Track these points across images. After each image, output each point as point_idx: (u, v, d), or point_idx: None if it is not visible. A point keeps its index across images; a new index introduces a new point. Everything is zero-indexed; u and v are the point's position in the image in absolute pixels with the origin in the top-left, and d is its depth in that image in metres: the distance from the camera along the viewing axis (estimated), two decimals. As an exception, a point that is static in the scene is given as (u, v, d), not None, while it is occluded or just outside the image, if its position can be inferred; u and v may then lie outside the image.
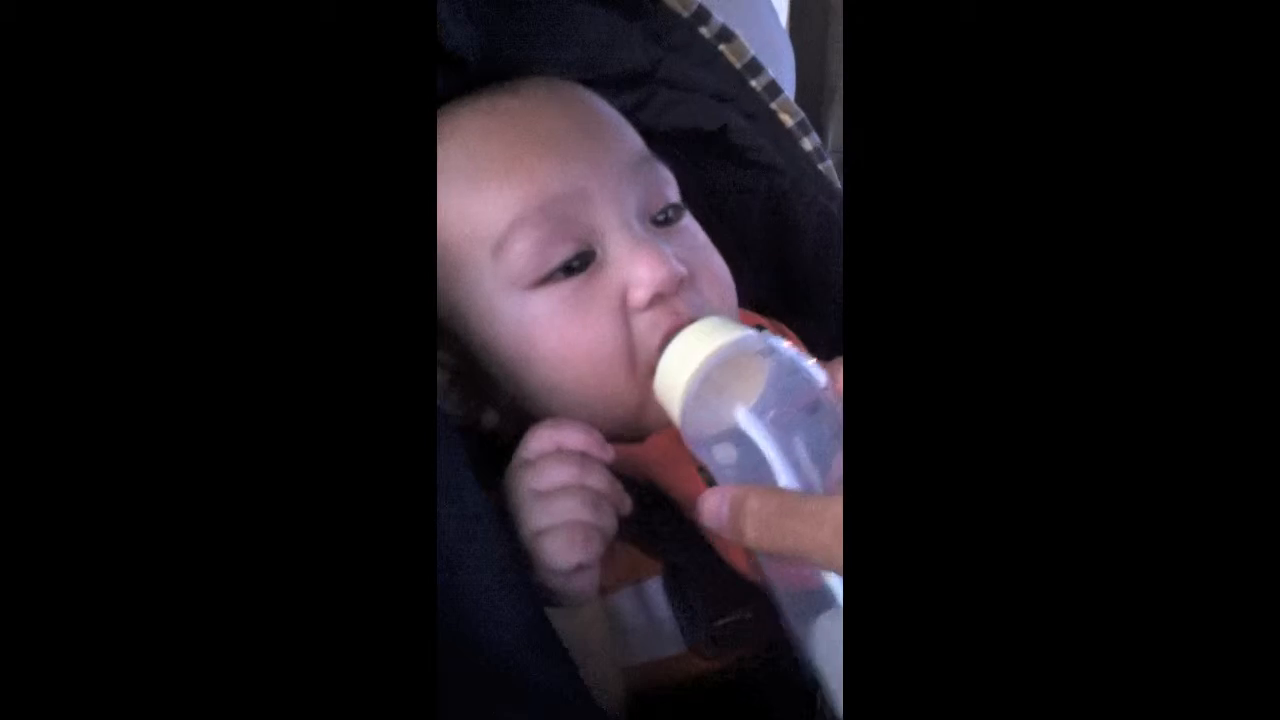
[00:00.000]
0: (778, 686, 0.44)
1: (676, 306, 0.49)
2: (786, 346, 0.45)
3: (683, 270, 0.50)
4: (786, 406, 0.43)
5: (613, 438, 0.49)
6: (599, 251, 0.50)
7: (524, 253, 0.50)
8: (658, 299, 0.49)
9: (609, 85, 0.59)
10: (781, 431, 0.42)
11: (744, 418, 0.43)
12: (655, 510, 0.49)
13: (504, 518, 0.47)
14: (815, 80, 1.13)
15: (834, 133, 1.13)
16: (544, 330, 0.50)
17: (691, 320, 0.48)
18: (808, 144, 0.65)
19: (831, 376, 0.45)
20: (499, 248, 0.50)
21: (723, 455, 0.43)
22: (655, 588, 0.50)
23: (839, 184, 0.68)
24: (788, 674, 0.43)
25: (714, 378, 0.44)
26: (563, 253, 0.50)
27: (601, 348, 0.49)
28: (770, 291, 0.64)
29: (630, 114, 0.58)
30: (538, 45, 0.56)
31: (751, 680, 0.47)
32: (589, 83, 0.57)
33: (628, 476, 0.49)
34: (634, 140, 0.55)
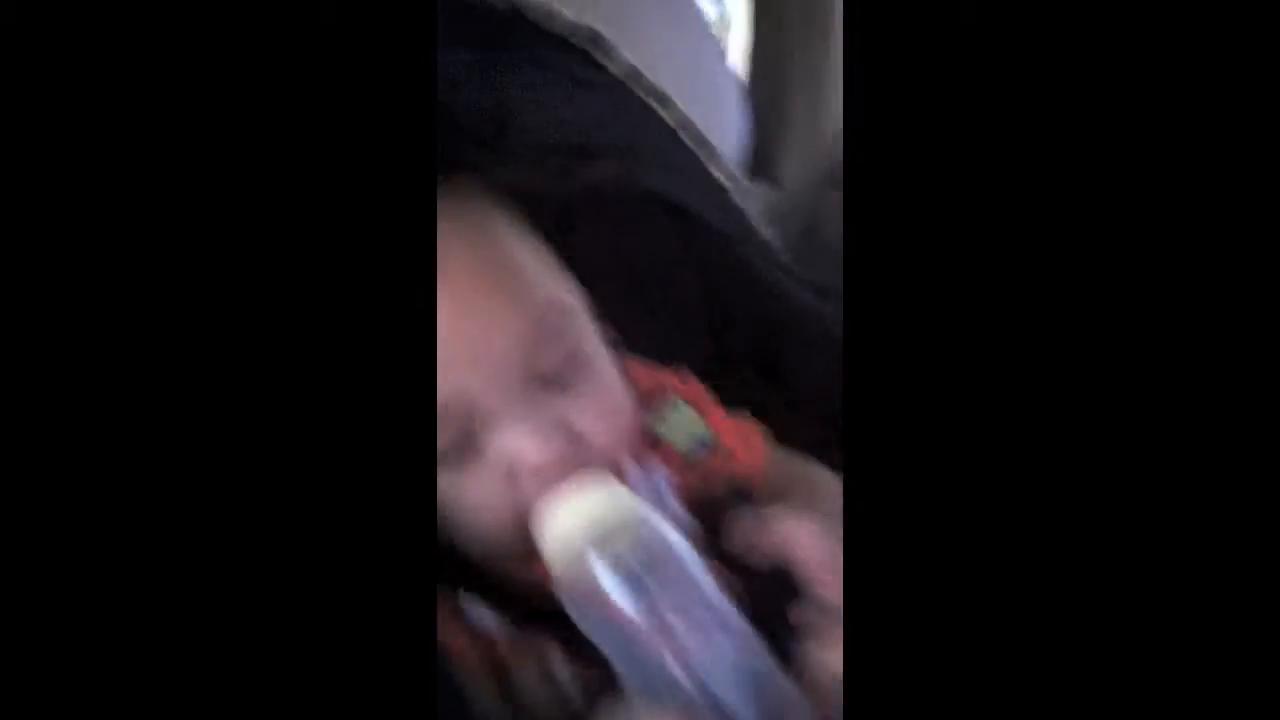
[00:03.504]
0: None
1: (563, 475, 0.48)
2: (652, 514, 0.47)
3: (563, 447, 0.49)
4: (653, 568, 0.44)
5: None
6: (478, 429, 0.49)
7: None
8: (540, 477, 0.48)
9: None
10: (648, 593, 0.44)
11: (611, 584, 0.44)
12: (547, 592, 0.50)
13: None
14: (773, 115, 1.14)
15: (788, 169, 1.13)
16: None
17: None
18: (716, 171, 0.66)
19: (740, 435, 0.47)
20: None
21: (600, 615, 0.44)
22: (557, 659, 0.50)
23: (753, 222, 0.69)
24: None
25: (582, 559, 0.45)
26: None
27: (485, 524, 0.50)
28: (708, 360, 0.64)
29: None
30: None
31: None
32: None
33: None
34: (534, 293, 0.51)
